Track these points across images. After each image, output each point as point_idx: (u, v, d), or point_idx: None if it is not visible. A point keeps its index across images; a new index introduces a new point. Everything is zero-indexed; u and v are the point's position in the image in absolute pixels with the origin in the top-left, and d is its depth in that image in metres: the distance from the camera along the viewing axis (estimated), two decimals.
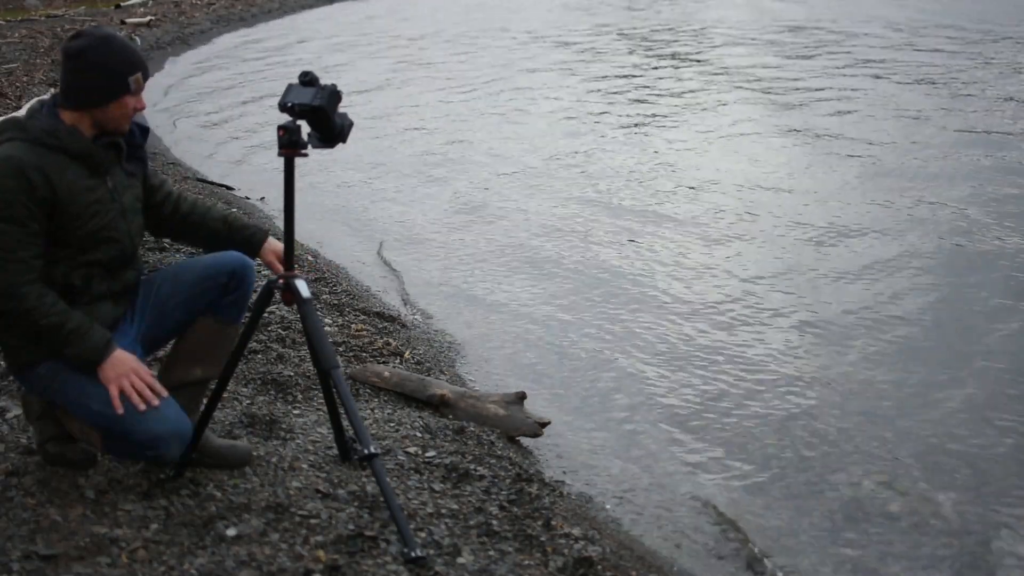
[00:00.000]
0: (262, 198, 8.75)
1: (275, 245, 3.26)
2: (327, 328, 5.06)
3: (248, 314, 3.24)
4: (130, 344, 3.02)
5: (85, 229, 2.90)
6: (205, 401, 3.22)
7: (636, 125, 11.87)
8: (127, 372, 2.87)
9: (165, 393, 2.93)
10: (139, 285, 3.14)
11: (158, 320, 3.12)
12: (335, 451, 3.51)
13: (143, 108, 2.97)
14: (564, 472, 4.15)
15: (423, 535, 3.03)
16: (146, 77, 2.96)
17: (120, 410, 2.84)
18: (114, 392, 2.85)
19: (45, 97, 2.95)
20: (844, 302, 6.13)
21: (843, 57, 16.60)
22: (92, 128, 2.92)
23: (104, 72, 2.86)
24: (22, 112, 2.90)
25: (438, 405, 4.34)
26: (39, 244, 2.84)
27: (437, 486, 3.43)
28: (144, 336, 3.11)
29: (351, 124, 3.04)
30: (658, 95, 13.82)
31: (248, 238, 3.26)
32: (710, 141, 10.89)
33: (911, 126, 11.12)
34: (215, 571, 2.70)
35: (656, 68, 16.43)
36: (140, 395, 2.85)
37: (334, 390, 3.16)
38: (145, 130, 3.10)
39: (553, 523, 3.25)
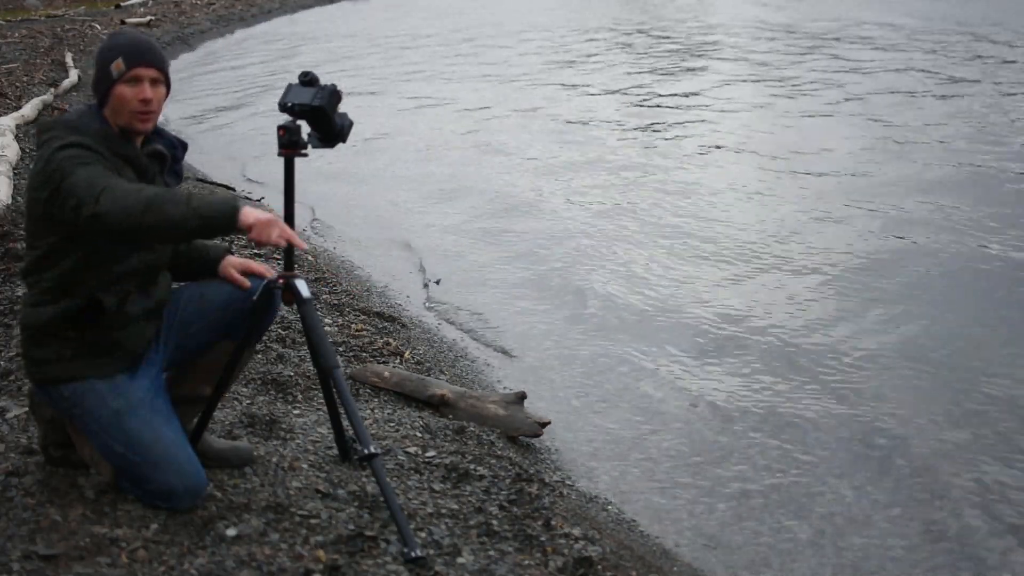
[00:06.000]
0: (261, 199, 8.74)
1: (233, 261, 3.17)
2: (327, 328, 5.05)
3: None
4: (156, 375, 2.99)
5: None
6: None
7: (632, 127, 11.88)
8: (270, 218, 2.68)
9: (305, 245, 2.89)
10: (167, 301, 3.08)
11: (182, 342, 3.08)
12: (335, 451, 3.51)
13: (149, 97, 2.82)
14: (564, 472, 4.15)
15: (423, 535, 3.03)
16: (138, 63, 2.81)
17: (271, 233, 2.65)
18: (272, 233, 2.65)
19: (92, 102, 2.91)
20: (852, 307, 6.13)
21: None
22: (115, 127, 2.86)
23: (96, 67, 2.86)
24: (71, 115, 2.86)
25: (438, 405, 4.34)
26: None
27: (437, 486, 3.43)
28: (168, 361, 3.08)
29: (351, 124, 3.04)
30: (672, 98, 13.82)
31: (206, 262, 3.14)
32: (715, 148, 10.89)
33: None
34: (215, 571, 2.70)
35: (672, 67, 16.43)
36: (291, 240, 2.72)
37: (334, 390, 3.16)
38: (184, 145, 3.07)
39: (553, 523, 3.24)
